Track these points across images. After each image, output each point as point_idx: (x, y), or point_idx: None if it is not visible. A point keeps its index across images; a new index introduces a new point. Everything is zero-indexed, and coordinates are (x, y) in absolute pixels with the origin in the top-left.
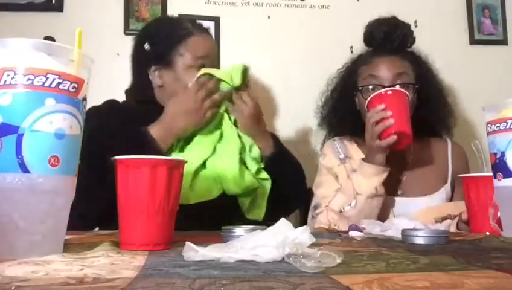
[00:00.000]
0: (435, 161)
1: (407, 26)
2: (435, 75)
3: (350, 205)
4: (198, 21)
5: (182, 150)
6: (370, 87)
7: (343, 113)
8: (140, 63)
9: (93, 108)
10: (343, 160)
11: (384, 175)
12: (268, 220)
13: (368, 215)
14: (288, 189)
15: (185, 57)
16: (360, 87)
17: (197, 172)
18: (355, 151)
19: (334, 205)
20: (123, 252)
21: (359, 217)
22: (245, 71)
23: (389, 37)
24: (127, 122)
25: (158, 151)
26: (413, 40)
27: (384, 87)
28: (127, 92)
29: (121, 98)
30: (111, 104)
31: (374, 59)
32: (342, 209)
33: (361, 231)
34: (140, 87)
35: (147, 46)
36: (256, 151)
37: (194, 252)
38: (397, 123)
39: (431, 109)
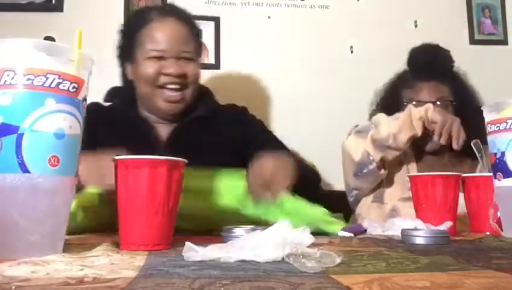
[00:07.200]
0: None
1: (447, 52)
2: (473, 95)
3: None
4: (172, 5)
5: None
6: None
7: None
8: (119, 61)
9: None
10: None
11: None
12: None
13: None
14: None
15: (142, 48)
16: (405, 103)
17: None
18: None
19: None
20: (123, 252)
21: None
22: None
23: (430, 64)
24: (102, 127)
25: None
26: (451, 65)
27: None
28: (110, 92)
29: None
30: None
31: (416, 84)
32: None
33: (365, 231)
34: (125, 85)
35: (118, 43)
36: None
37: (194, 252)
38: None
39: (468, 130)
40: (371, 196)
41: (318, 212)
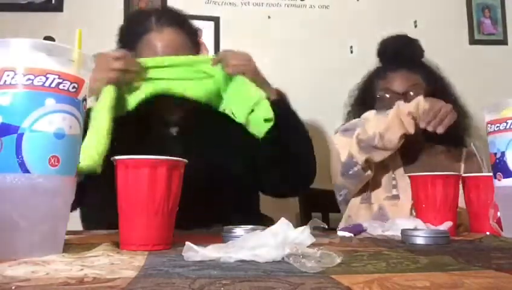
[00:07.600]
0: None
1: (415, 41)
2: (446, 85)
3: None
4: (169, 10)
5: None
6: (387, 95)
7: None
8: None
9: None
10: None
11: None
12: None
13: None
14: (293, 148)
15: (141, 58)
16: (378, 96)
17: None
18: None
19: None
20: (123, 252)
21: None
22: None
23: (400, 53)
24: None
25: None
26: (421, 54)
27: (398, 99)
28: None
29: None
30: None
31: (388, 73)
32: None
33: (364, 231)
34: None
35: (117, 47)
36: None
37: (194, 252)
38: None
39: None
40: (359, 198)
41: (257, 97)
